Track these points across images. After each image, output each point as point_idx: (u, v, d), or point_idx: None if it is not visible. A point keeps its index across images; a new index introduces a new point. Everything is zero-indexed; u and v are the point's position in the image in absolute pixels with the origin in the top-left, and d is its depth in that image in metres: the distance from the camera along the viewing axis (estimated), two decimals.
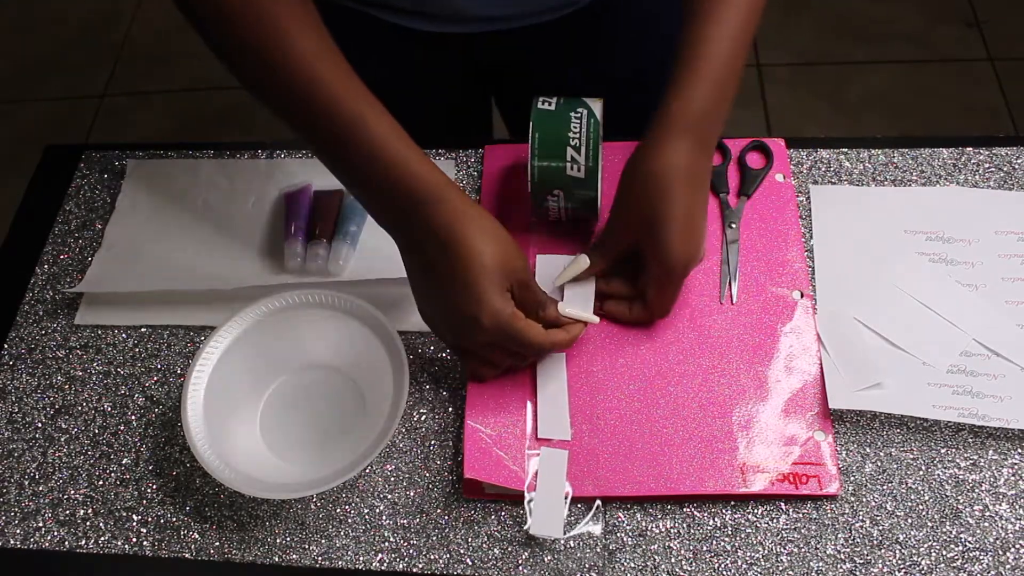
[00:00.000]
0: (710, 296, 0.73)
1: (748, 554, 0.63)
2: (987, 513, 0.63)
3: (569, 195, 0.72)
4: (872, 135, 0.84)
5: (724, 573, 0.62)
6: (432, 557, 0.64)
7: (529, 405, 0.68)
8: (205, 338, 0.73)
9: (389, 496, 0.67)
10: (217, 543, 0.66)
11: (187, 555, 0.66)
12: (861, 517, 0.64)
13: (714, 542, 0.63)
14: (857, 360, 0.68)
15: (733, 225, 0.76)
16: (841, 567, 0.62)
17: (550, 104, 0.72)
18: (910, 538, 0.63)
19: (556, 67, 0.86)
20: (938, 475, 0.65)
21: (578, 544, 0.64)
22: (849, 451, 0.66)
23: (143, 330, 0.77)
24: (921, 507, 0.64)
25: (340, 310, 0.70)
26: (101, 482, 0.70)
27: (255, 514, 0.67)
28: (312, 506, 0.67)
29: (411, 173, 0.59)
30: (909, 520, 0.63)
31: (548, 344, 0.65)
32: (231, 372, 0.68)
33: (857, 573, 0.62)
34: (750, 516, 0.64)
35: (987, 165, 0.79)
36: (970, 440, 0.66)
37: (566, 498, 0.64)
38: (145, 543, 0.67)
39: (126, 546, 0.67)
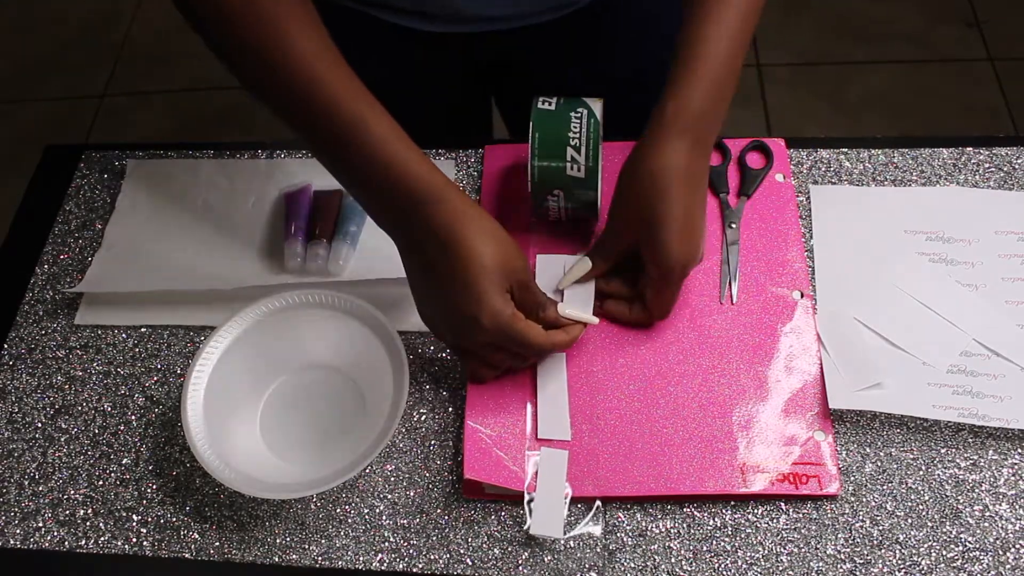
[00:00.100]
0: (710, 296, 0.73)
1: (748, 554, 0.63)
2: (987, 513, 0.63)
3: (569, 195, 0.72)
4: (872, 135, 0.84)
5: (724, 573, 0.62)
6: (432, 557, 0.64)
7: (529, 405, 0.68)
8: (205, 338, 0.73)
9: (389, 496, 0.67)
10: (217, 543, 0.66)
11: (187, 555, 0.66)
12: (861, 517, 0.64)
13: (714, 542, 0.63)
14: (857, 360, 0.68)
15: (733, 225, 0.76)
16: (841, 567, 0.62)
17: (550, 104, 0.72)
18: (910, 538, 0.63)
19: (556, 67, 0.86)
20: (938, 475, 0.65)
21: (578, 544, 0.64)
22: (849, 451, 0.66)
23: (143, 330, 0.77)
24: (921, 507, 0.64)
25: (340, 310, 0.70)
26: (101, 482, 0.70)
27: (255, 514, 0.67)
28: (312, 506, 0.67)
29: (411, 173, 0.59)
30: (909, 520, 0.63)
31: (548, 345, 0.65)
32: (231, 372, 0.68)
33: (857, 573, 0.62)
34: (750, 516, 0.64)
35: (987, 165, 0.79)
36: (970, 440, 0.66)
37: (566, 498, 0.64)
38: (145, 543, 0.67)
39: (126, 546, 0.67)
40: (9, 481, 0.70)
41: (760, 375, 0.69)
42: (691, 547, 0.63)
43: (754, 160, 0.80)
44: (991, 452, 0.65)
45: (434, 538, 0.65)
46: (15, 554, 0.67)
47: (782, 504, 0.65)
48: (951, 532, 0.63)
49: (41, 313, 0.79)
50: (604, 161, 0.73)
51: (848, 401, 0.67)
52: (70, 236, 0.83)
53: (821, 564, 0.62)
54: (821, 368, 0.69)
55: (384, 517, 0.66)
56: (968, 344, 0.69)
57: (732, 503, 0.65)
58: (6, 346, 0.77)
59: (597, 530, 0.64)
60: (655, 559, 0.63)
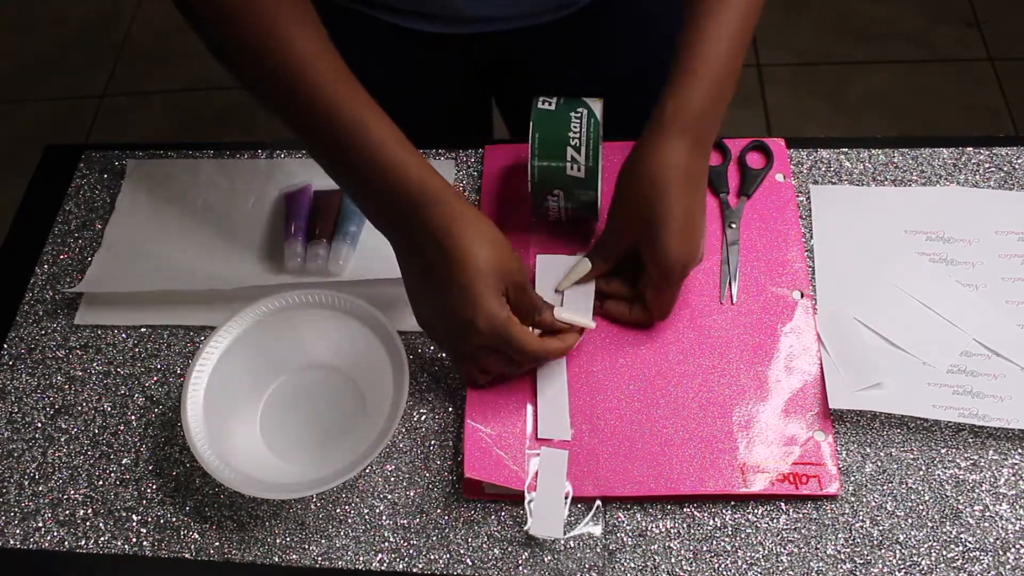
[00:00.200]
0: (710, 296, 0.73)
1: (748, 554, 0.63)
2: (987, 513, 0.63)
3: (569, 195, 0.72)
4: (872, 135, 0.84)
5: (724, 573, 0.62)
6: (432, 557, 0.64)
7: (529, 405, 0.68)
8: (205, 338, 0.73)
9: (389, 496, 0.67)
10: (217, 543, 0.66)
11: (187, 555, 0.66)
12: (861, 517, 0.64)
13: (714, 542, 0.63)
14: (857, 360, 0.68)
15: (733, 225, 0.76)
16: (841, 567, 0.62)
17: (550, 104, 0.72)
18: (910, 538, 0.63)
19: (556, 67, 0.86)
20: (938, 475, 0.65)
21: (578, 544, 0.64)
22: (849, 451, 0.66)
23: (143, 330, 0.77)
24: (921, 507, 0.64)
25: (340, 310, 0.70)
26: (101, 482, 0.70)
27: (255, 514, 0.67)
28: (312, 506, 0.67)
29: (411, 177, 0.59)
30: (909, 520, 0.63)
31: (542, 352, 0.65)
32: (231, 372, 0.68)
33: (857, 573, 0.62)
34: (750, 516, 0.64)
35: (987, 165, 0.79)
36: (970, 440, 0.66)
37: (566, 498, 0.64)
38: (145, 543, 0.67)
39: (126, 546, 0.67)
40: (9, 481, 0.70)
41: (760, 375, 0.69)
42: (691, 547, 0.63)
43: (754, 160, 0.80)
44: (991, 452, 0.65)
45: (434, 538, 0.65)
46: (15, 554, 0.67)
47: (782, 504, 0.65)
48: (951, 532, 0.63)
49: (41, 313, 0.79)
50: (604, 161, 0.73)
51: (848, 401, 0.67)
52: (70, 236, 0.83)
53: (821, 564, 0.62)
54: (821, 368, 0.69)
55: (384, 517, 0.66)
56: (968, 344, 0.69)
57: (732, 503, 0.65)
58: (6, 346, 0.77)
59: (597, 530, 0.64)
60: (655, 559, 0.63)
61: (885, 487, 0.65)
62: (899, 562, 0.62)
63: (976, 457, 0.65)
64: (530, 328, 0.65)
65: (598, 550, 0.64)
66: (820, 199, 0.78)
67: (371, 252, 0.79)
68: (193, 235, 0.82)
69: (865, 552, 0.62)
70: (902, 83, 1.98)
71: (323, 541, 0.66)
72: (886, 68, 2.01)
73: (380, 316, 0.68)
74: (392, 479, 0.68)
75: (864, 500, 0.64)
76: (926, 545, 0.62)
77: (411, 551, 0.65)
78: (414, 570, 0.64)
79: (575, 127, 0.70)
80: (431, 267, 0.61)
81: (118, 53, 2.27)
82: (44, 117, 2.16)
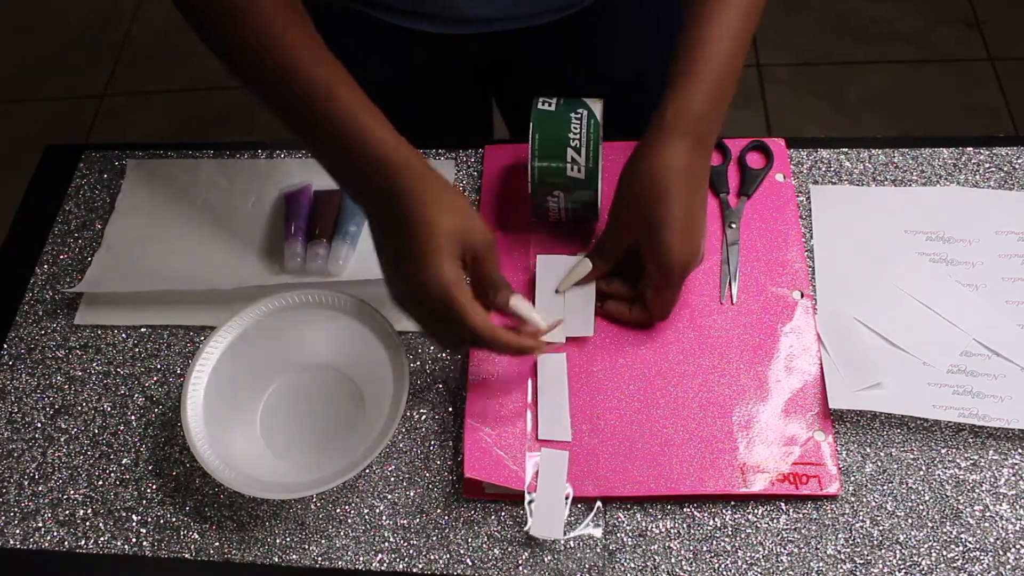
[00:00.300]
0: (710, 296, 0.73)
1: (748, 554, 0.63)
2: (987, 513, 0.63)
3: (569, 196, 0.72)
4: (872, 135, 0.84)
5: (724, 573, 0.62)
6: (432, 557, 0.64)
7: (529, 406, 0.68)
8: (205, 338, 0.73)
9: (389, 496, 0.67)
10: (217, 543, 0.66)
11: (187, 555, 0.66)
12: (861, 517, 0.64)
13: (714, 542, 0.63)
14: (857, 360, 0.68)
15: (733, 225, 0.76)
16: (841, 567, 0.62)
17: (550, 104, 0.72)
18: (910, 538, 0.62)
19: (556, 67, 0.86)
20: (938, 475, 0.65)
21: (578, 544, 0.64)
22: (849, 451, 0.66)
23: (143, 330, 0.77)
24: (921, 507, 0.64)
25: (340, 310, 0.70)
26: (101, 482, 0.70)
27: (255, 514, 0.67)
28: (312, 506, 0.67)
29: (377, 140, 0.59)
30: (909, 520, 0.63)
31: (487, 333, 0.59)
32: (231, 372, 0.68)
33: (857, 573, 0.61)
34: (750, 516, 0.64)
35: (987, 165, 0.79)
36: (970, 440, 0.66)
37: (567, 499, 0.64)
38: (145, 543, 0.67)
39: (126, 546, 0.67)
40: (9, 481, 0.70)
41: (760, 375, 0.69)
42: (691, 547, 0.63)
43: (754, 160, 0.80)
44: (991, 452, 0.65)
45: (434, 538, 0.65)
46: (15, 554, 0.67)
47: (782, 504, 0.64)
48: (951, 532, 0.63)
49: (41, 313, 0.79)
50: (604, 161, 0.72)
51: (848, 401, 0.66)
52: (70, 236, 0.83)
53: (821, 564, 0.62)
54: (821, 368, 0.69)
55: (384, 517, 0.66)
56: (968, 344, 0.69)
57: (732, 503, 0.65)
58: (6, 346, 0.77)
59: (597, 531, 0.64)
60: (655, 559, 0.63)
61: (885, 487, 0.65)
62: (899, 562, 0.62)
63: (976, 457, 0.65)
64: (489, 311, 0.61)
65: (598, 550, 0.64)
66: (820, 199, 0.78)
67: (371, 252, 0.78)
68: (193, 235, 0.82)
69: (865, 552, 0.62)
70: (902, 83, 1.98)
71: (323, 541, 0.66)
72: (886, 68, 2.01)
73: (380, 316, 0.68)
74: (392, 479, 0.68)
75: (864, 500, 0.64)
76: (926, 545, 0.62)
77: (411, 551, 0.65)
78: (414, 570, 0.64)
79: (575, 128, 0.70)
80: (395, 229, 0.59)
81: (118, 53, 2.27)
82: (44, 117, 2.16)
